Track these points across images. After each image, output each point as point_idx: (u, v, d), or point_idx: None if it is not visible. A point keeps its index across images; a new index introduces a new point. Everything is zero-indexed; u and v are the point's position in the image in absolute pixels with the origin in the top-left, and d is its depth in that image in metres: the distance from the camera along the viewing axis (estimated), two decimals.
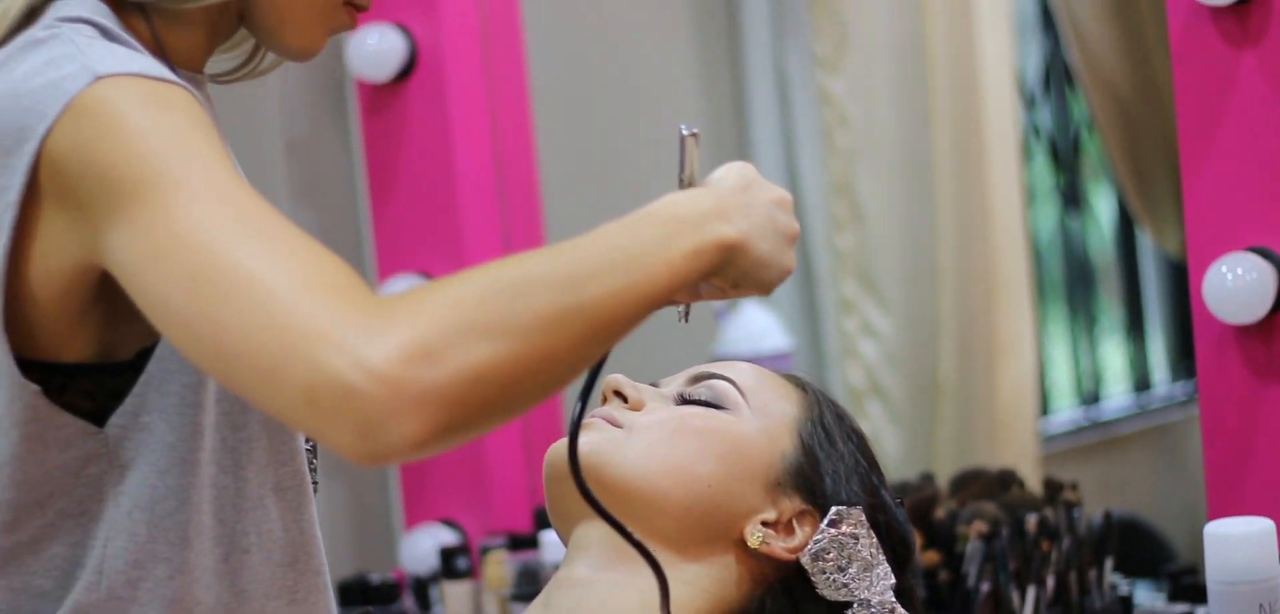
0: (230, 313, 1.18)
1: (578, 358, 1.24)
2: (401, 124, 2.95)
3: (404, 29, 2.92)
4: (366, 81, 2.96)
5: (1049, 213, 4.67)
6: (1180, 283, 4.81)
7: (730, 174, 1.38)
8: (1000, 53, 3.82)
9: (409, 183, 2.95)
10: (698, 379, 1.58)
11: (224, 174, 1.23)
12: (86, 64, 1.26)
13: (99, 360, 1.33)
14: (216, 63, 1.45)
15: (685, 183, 1.38)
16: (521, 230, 3.01)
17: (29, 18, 1.33)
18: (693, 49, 3.64)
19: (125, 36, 1.33)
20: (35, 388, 1.29)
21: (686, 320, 1.38)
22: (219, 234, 1.20)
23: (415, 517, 3.00)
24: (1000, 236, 3.79)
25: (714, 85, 3.66)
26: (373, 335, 1.16)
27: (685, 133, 1.38)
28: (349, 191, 3.10)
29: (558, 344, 1.21)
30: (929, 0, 3.73)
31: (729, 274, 1.34)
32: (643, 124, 3.54)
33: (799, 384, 1.60)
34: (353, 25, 1.42)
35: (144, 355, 1.34)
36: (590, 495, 1.42)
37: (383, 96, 2.96)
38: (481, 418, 1.19)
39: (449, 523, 2.96)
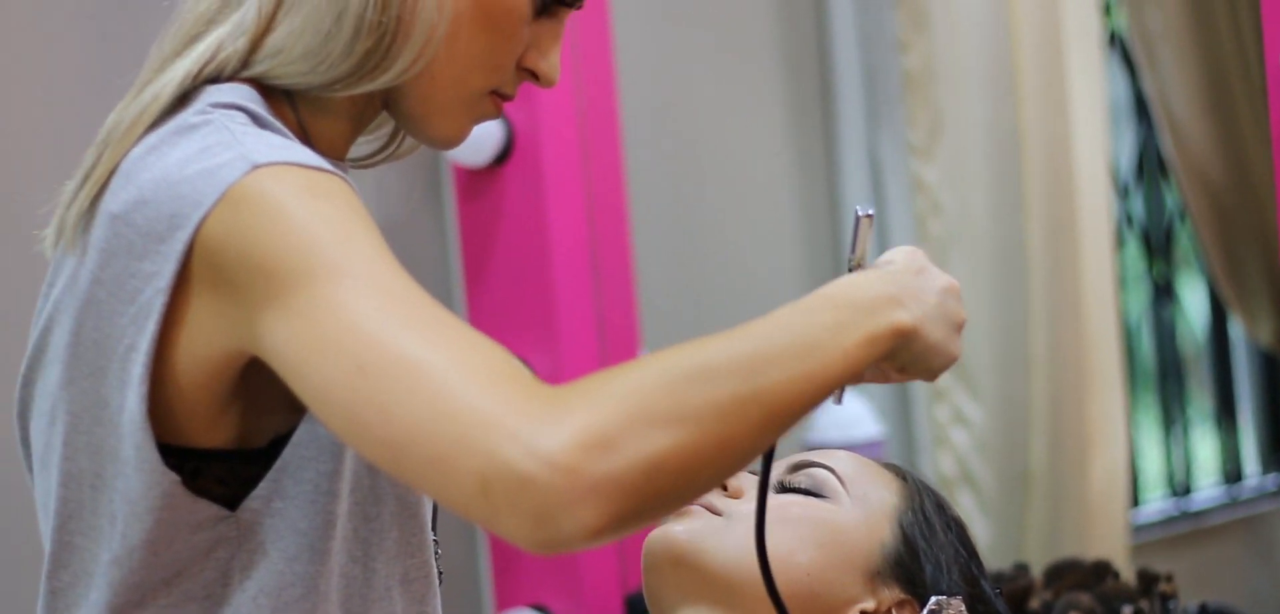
0: (399, 402, 1.17)
1: (754, 445, 1.23)
2: (497, 208, 2.96)
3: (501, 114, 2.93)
4: (463, 166, 2.97)
5: (1141, 302, 4.64)
6: (1272, 373, 4.77)
7: (901, 257, 1.36)
8: (1094, 141, 3.81)
9: (504, 266, 2.96)
10: (797, 467, 1.57)
11: (384, 262, 1.22)
12: (243, 153, 1.26)
13: (235, 447, 1.33)
14: (355, 146, 1.44)
15: (855, 265, 1.36)
16: (616, 316, 3.01)
17: (181, 102, 1.33)
18: (787, 134, 3.64)
19: (274, 123, 1.32)
20: (175, 476, 1.29)
21: (840, 402, 1.36)
22: (385, 322, 1.20)
23: (505, 600, 3.00)
24: (1092, 325, 3.77)
25: (808, 171, 3.66)
26: (547, 424, 1.15)
27: (860, 213, 1.37)
28: (444, 275, 3.11)
29: (735, 432, 1.20)
30: (1023, 88, 3.72)
31: (899, 359, 1.33)
32: (737, 210, 3.54)
33: (898, 473, 1.59)
34: (497, 113, 1.41)
35: (279, 443, 1.34)
36: (774, 590, 1.41)
37: (479, 181, 2.98)
38: (657, 506, 1.18)
39: (539, 608, 2.96)
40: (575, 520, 1.15)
